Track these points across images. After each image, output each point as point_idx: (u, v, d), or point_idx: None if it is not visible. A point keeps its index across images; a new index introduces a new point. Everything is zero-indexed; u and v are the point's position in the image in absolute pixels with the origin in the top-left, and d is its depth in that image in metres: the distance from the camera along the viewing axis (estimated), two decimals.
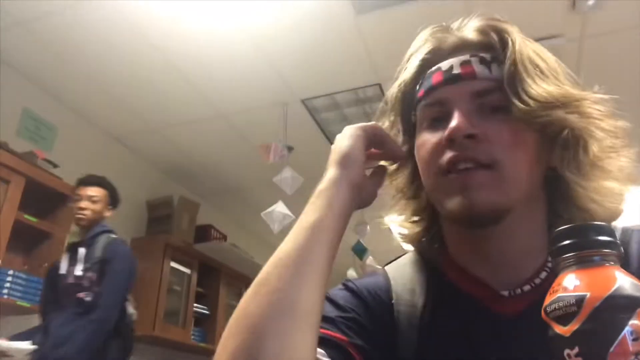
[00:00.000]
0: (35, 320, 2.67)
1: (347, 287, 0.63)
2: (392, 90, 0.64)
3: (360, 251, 4.09)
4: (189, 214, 3.79)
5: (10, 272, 2.30)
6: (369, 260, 4.20)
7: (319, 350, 0.50)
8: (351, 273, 4.44)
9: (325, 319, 0.55)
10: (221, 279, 4.09)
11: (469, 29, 0.60)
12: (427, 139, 0.58)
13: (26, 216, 2.43)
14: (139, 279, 3.37)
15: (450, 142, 0.54)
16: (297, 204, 3.30)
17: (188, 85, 2.95)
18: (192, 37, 2.56)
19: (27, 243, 2.54)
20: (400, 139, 0.64)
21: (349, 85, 2.96)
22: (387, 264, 0.68)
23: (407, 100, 0.63)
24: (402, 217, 0.67)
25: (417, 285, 0.61)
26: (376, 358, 0.56)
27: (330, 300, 0.60)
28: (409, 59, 0.63)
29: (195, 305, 3.73)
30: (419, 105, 0.60)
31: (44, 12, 2.40)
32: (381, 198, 0.63)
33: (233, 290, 4.29)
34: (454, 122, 0.53)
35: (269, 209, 2.90)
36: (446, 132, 0.54)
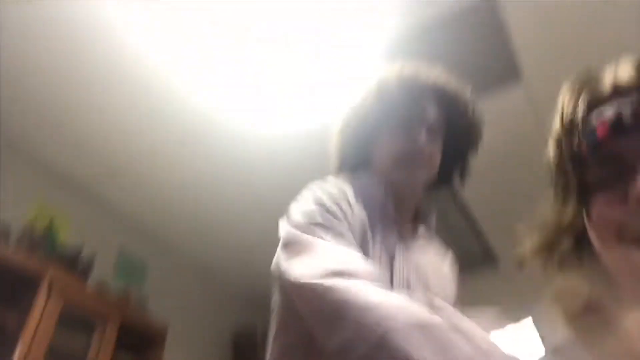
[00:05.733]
0: None
1: None
2: (549, 147, 0.57)
3: None
4: None
5: None
6: None
7: None
8: None
9: None
10: None
11: (624, 70, 0.51)
12: (603, 201, 0.49)
13: (121, 356, 2.50)
14: None
15: None
16: None
17: (267, 219, 3.09)
18: (273, 173, 2.75)
19: None
20: (564, 199, 0.55)
21: None
22: None
23: (566, 155, 0.54)
24: (565, 293, 0.57)
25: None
26: None
27: None
28: (560, 112, 0.55)
29: None
30: (584, 165, 0.51)
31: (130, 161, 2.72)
32: None
33: None
34: None
35: None
36: (635, 192, 0.45)
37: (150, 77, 2.24)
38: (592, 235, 0.51)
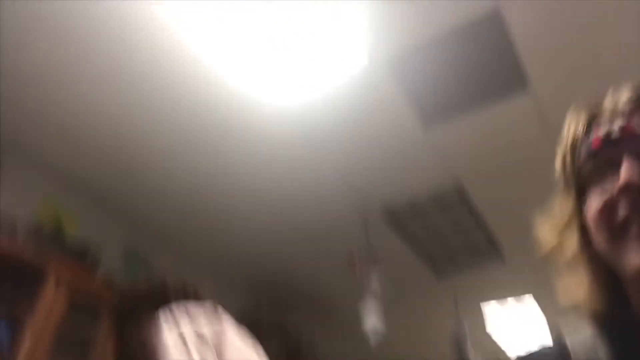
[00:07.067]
0: None
1: None
2: (557, 165, 0.66)
3: None
4: None
5: None
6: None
7: None
8: None
9: None
10: None
11: (620, 95, 0.62)
12: (596, 198, 0.58)
13: None
14: None
15: (624, 193, 0.53)
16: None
17: (269, 215, 3.13)
18: (272, 165, 2.77)
19: None
20: (569, 202, 0.64)
21: (430, 193, 2.94)
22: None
23: (570, 169, 0.64)
24: (578, 289, 0.62)
25: (599, 342, 0.58)
26: None
27: None
28: (566, 131, 0.66)
29: None
30: (582, 171, 0.61)
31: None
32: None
33: None
34: (625, 173, 0.54)
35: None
36: (619, 183, 0.54)
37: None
38: (592, 230, 0.59)
